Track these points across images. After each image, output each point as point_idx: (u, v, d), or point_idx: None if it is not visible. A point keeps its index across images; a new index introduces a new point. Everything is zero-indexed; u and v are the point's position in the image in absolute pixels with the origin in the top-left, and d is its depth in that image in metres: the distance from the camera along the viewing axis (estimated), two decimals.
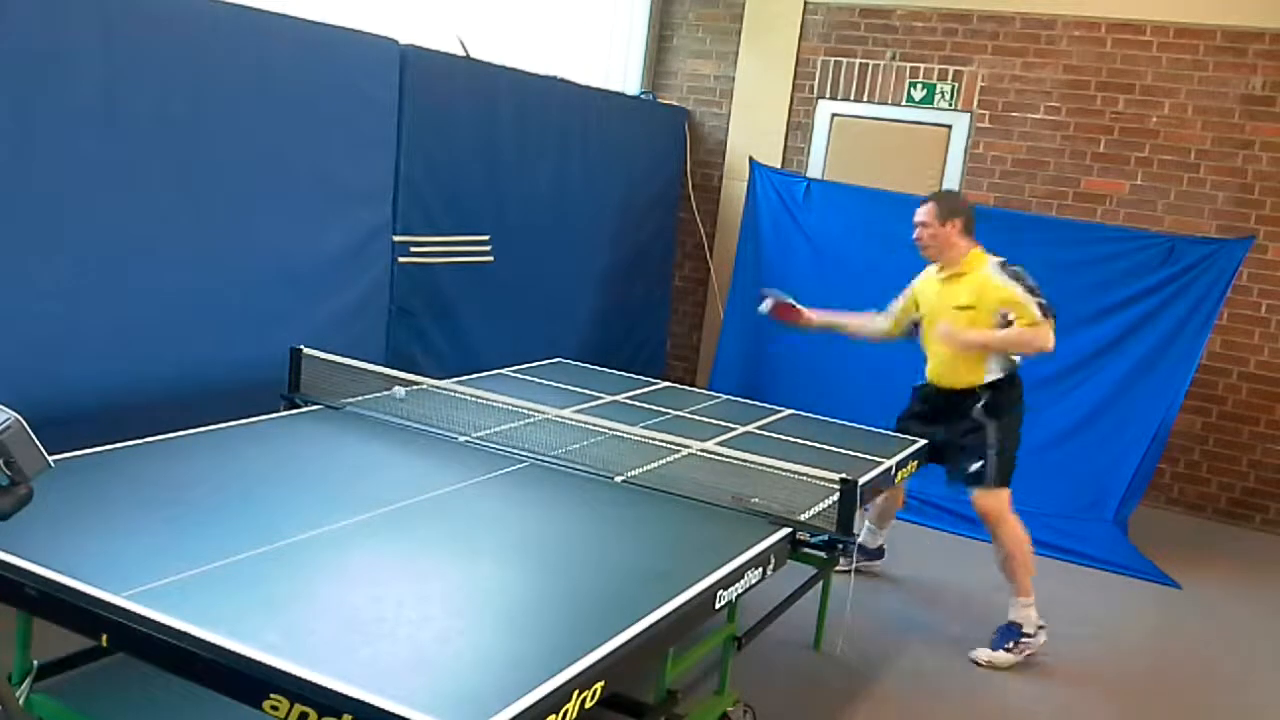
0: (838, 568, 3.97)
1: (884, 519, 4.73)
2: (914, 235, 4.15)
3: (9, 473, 1.70)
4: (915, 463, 3.97)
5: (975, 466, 4.06)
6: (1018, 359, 4.13)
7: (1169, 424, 5.49)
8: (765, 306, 4.40)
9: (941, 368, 4.19)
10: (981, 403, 4.08)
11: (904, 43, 6.65)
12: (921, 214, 4.13)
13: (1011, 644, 4.03)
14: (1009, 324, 3.98)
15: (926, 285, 4.28)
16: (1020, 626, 4.05)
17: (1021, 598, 4.07)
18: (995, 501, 4.03)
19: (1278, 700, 4.02)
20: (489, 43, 5.57)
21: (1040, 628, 4.07)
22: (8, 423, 1.68)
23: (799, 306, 4.51)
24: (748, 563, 2.56)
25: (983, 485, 4.05)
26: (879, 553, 4.80)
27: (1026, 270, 4.04)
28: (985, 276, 4.03)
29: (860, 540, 4.63)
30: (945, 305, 4.11)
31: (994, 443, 4.05)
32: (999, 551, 4.11)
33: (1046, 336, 3.93)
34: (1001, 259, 4.08)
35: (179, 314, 3.74)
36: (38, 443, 1.72)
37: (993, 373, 4.08)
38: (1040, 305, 3.92)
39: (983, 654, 4.03)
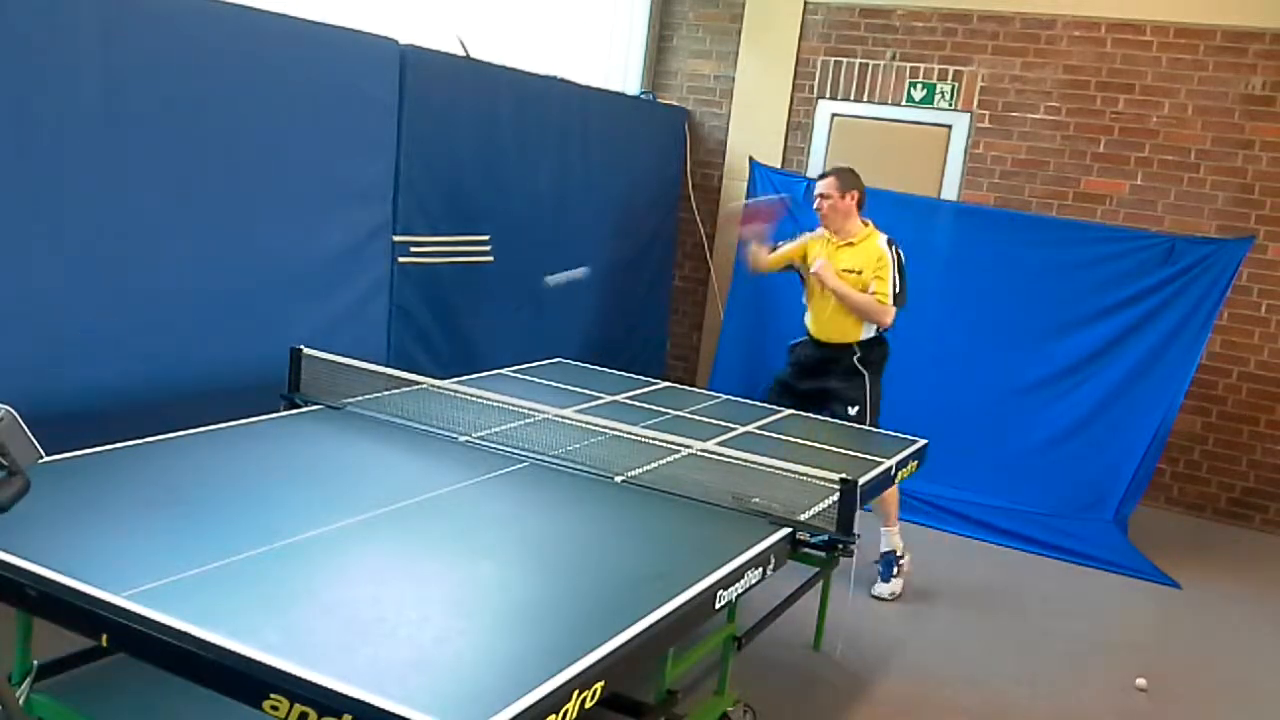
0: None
1: (888, 519, 4.78)
2: (814, 205, 4.68)
3: (4, 463, 1.71)
4: (915, 463, 3.98)
5: (854, 411, 4.58)
6: None
7: (1169, 424, 5.48)
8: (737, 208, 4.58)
9: (826, 324, 4.69)
10: (857, 356, 4.62)
11: (904, 43, 6.65)
12: (823, 186, 4.66)
13: (895, 570, 4.57)
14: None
15: (818, 245, 4.75)
16: (894, 552, 4.58)
17: (889, 527, 4.60)
18: None
19: (1278, 700, 4.02)
20: (489, 43, 5.56)
21: (904, 548, 4.59)
22: (0, 415, 1.68)
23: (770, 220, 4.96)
24: (748, 563, 2.56)
25: (862, 425, 4.50)
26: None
27: (905, 256, 4.59)
28: (875, 245, 4.59)
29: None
30: (835, 268, 4.62)
31: (869, 390, 4.60)
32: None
33: (886, 316, 4.54)
34: (889, 237, 4.61)
35: (179, 314, 3.74)
36: (29, 434, 1.72)
37: (868, 331, 4.62)
38: (897, 290, 4.51)
39: (881, 589, 4.55)
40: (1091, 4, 6.17)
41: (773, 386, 4.84)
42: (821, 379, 4.70)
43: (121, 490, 2.59)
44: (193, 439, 3.05)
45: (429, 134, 4.70)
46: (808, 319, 4.79)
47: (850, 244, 4.62)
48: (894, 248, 4.57)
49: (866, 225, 4.65)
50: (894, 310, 4.52)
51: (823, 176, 4.75)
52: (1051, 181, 6.36)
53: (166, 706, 2.35)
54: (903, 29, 6.65)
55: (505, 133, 5.25)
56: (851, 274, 4.55)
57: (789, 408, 4.46)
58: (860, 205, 4.66)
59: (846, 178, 4.67)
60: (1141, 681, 4.02)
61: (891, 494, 4.50)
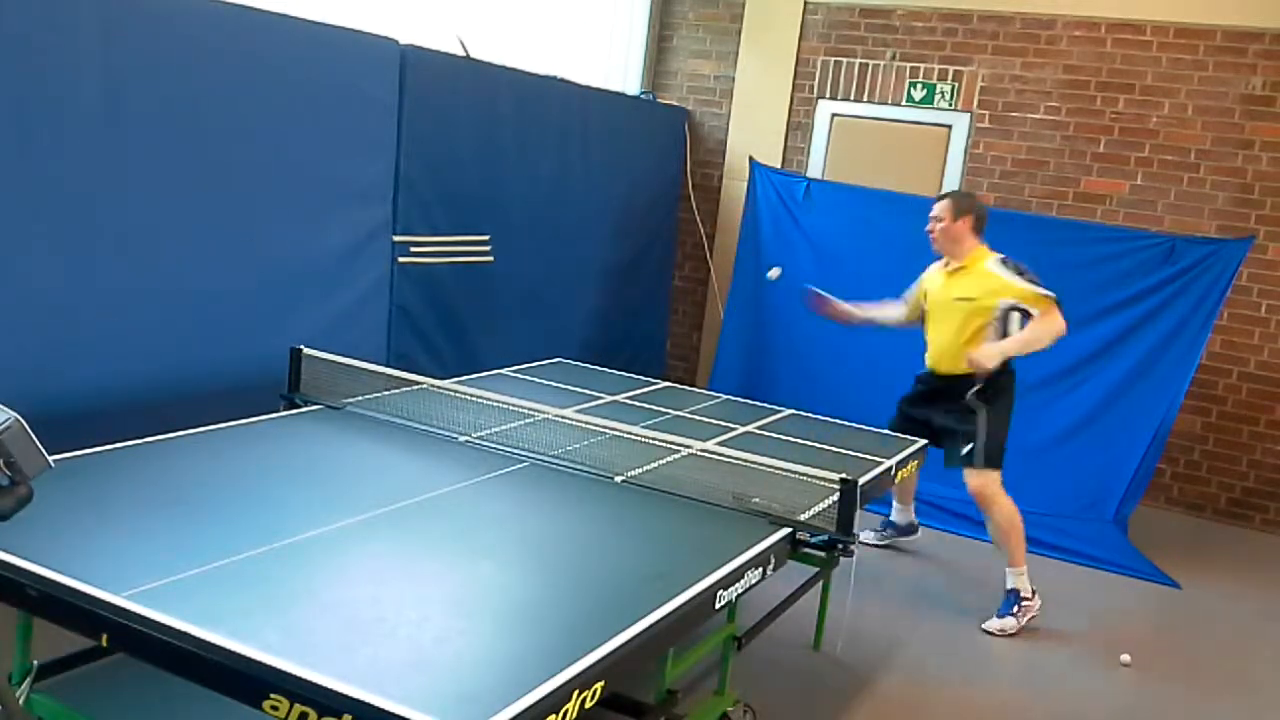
0: (872, 542, 4.87)
1: (906, 496, 5.03)
2: (927, 228, 4.43)
3: (9, 473, 1.69)
4: (915, 463, 3.98)
5: (966, 449, 4.32)
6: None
7: (1169, 424, 5.48)
8: (774, 274, 4.46)
9: (940, 355, 4.44)
10: (975, 389, 4.31)
11: (904, 43, 6.65)
12: (937, 209, 4.43)
13: (1015, 609, 4.30)
14: (1018, 311, 4.25)
15: (933, 277, 4.54)
16: (1019, 592, 4.32)
17: (1015, 567, 4.34)
18: (985, 481, 4.30)
19: (1278, 700, 4.02)
20: (489, 43, 5.56)
21: (1034, 592, 4.35)
22: (7, 422, 1.67)
23: (830, 298, 4.79)
24: (748, 563, 2.56)
25: (973, 466, 4.31)
26: (911, 528, 5.11)
27: (1028, 266, 4.29)
28: (985, 270, 4.31)
29: (891, 518, 5.13)
30: (947, 297, 4.39)
31: (984, 427, 4.30)
32: (992, 527, 4.42)
33: (1055, 318, 4.17)
34: (1003, 256, 4.34)
35: (179, 314, 3.74)
36: (37, 442, 1.71)
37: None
38: (1039, 287, 4.20)
39: (993, 624, 4.29)
40: (1091, 4, 6.17)
41: (897, 409, 4.63)
42: (929, 408, 4.45)
43: (121, 490, 2.59)
44: (193, 439, 3.06)
45: (429, 134, 4.70)
46: (928, 350, 4.53)
47: (962, 268, 4.37)
48: (1008, 264, 4.27)
49: (980, 245, 4.38)
50: (1057, 310, 4.15)
51: (939, 198, 4.50)
52: (1051, 181, 6.36)
53: (166, 706, 2.35)
54: (903, 29, 6.65)
55: (505, 133, 5.25)
56: (964, 301, 4.29)
57: (910, 434, 4.28)
58: (977, 230, 4.39)
59: (961, 201, 4.43)
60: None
61: (1015, 534, 4.31)
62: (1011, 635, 4.25)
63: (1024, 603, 4.30)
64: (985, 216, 4.44)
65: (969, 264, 4.35)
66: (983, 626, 4.28)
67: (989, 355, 4.19)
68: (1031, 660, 4.08)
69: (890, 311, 4.75)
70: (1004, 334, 4.27)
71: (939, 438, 4.38)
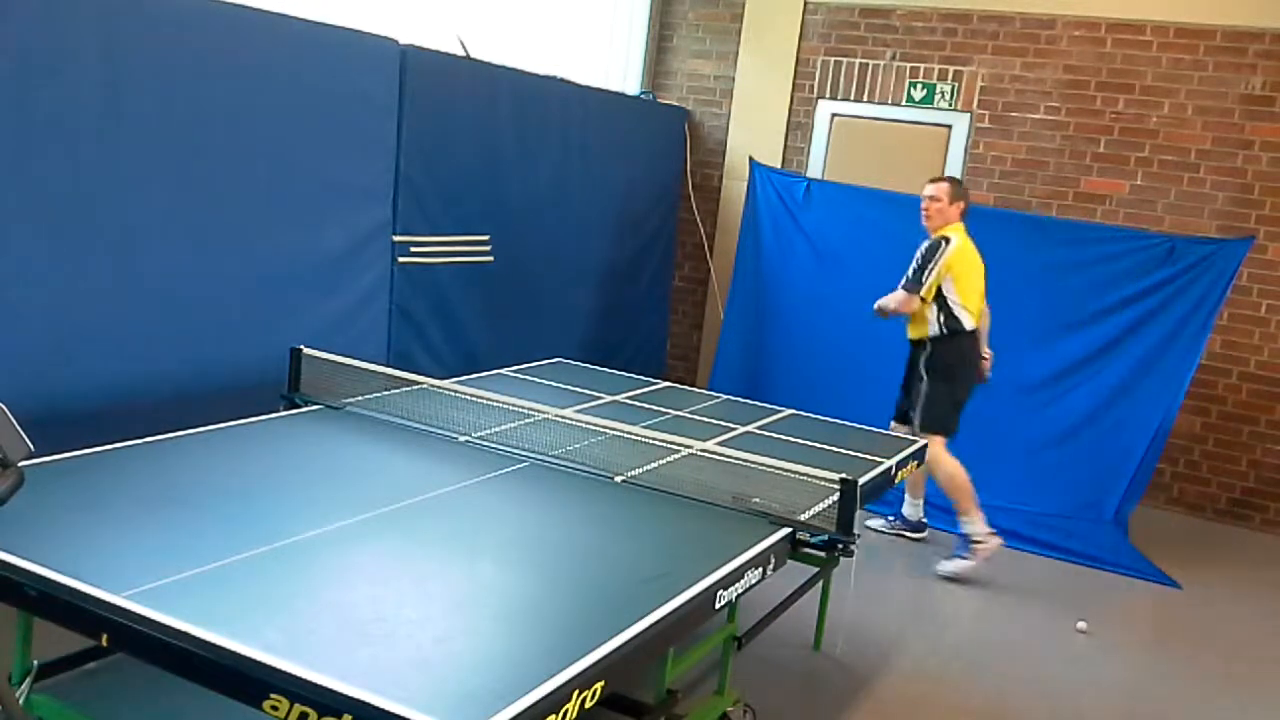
0: (879, 527, 5.18)
1: (917, 490, 5.17)
2: (923, 205, 4.82)
3: None
4: (915, 463, 3.98)
5: (915, 414, 4.79)
6: (960, 317, 4.72)
7: (1169, 424, 5.48)
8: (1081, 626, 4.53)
9: (909, 324, 4.88)
10: (925, 355, 4.78)
11: (904, 43, 6.65)
12: (934, 189, 4.82)
13: (968, 551, 4.66)
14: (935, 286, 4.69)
15: None
16: (969, 536, 4.67)
17: (963, 515, 4.70)
18: (929, 445, 4.45)
19: (1279, 700, 4.02)
20: (489, 43, 5.56)
21: (990, 533, 4.66)
22: None
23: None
24: (748, 563, 2.56)
25: (919, 431, 4.71)
26: (920, 526, 5.25)
27: (939, 248, 4.68)
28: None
29: (902, 510, 5.29)
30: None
31: (924, 394, 4.75)
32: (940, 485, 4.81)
33: (901, 301, 4.69)
34: (948, 235, 4.70)
35: (179, 314, 3.74)
36: (18, 428, 1.72)
37: (931, 328, 4.73)
38: (907, 276, 4.67)
39: (946, 567, 4.68)
40: (1091, 4, 6.17)
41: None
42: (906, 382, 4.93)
43: (121, 490, 2.59)
44: (193, 439, 3.06)
45: (429, 134, 4.70)
46: None
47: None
48: (932, 246, 4.68)
49: (953, 224, 4.77)
50: (909, 292, 4.63)
51: (935, 181, 4.90)
52: (1051, 181, 6.36)
53: (166, 706, 2.35)
54: (903, 29, 6.65)
55: (505, 133, 5.25)
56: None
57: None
58: (963, 216, 4.81)
59: (958, 187, 4.86)
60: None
61: (959, 489, 4.66)
62: (957, 580, 4.59)
63: (976, 545, 4.61)
64: (968, 208, 4.87)
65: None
66: (937, 569, 4.61)
67: (882, 304, 4.73)
68: (1032, 660, 4.08)
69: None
70: (944, 304, 4.68)
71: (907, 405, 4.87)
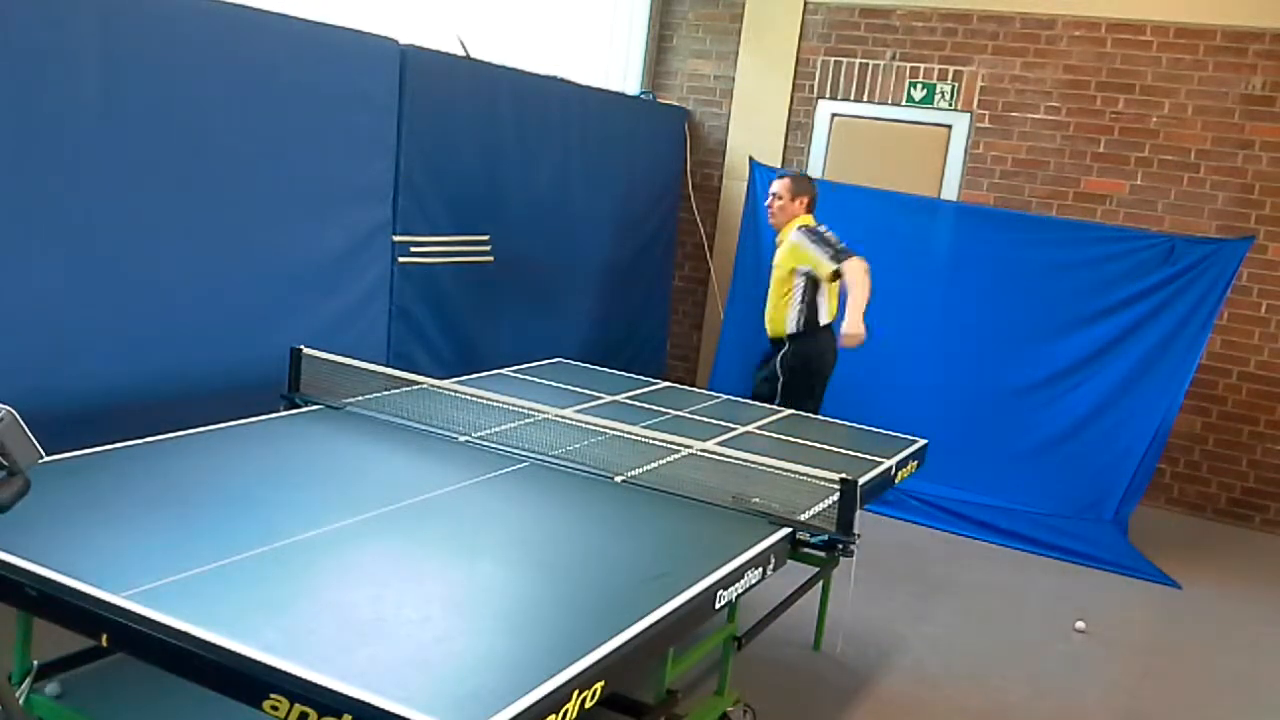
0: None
1: None
2: (766, 203, 4.88)
3: (4, 463, 1.71)
4: (915, 463, 3.98)
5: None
6: (821, 313, 4.71)
7: (1169, 424, 5.48)
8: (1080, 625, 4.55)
9: (766, 319, 4.85)
10: (783, 353, 4.74)
11: (904, 43, 6.65)
12: (776, 186, 4.85)
13: None
14: (812, 281, 4.66)
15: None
16: None
17: None
18: None
19: (1279, 700, 4.02)
20: (489, 43, 5.56)
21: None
22: (0, 415, 1.68)
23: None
24: (748, 563, 2.56)
25: None
26: None
27: (831, 230, 4.70)
28: (789, 239, 4.74)
29: None
30: (772, 265, 4.86)
31: (779, 393, 4.70)
32: None
33: (854, 267, 4.50)
34: (810, 225, 4.73)
35: (179, 314, 3.74)
36: (29, 434, 1.72)
37: (792, 324, 4.72)
38: (831, 254, 4.57)
39: None
40: (1091, 4, 6.17)
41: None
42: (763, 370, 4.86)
43: (121, 490, 2.59)
44: (193, 439, 3.05)
45: (429, 134, 4.70)
46: None
47: (781, 240, 4.85)
48: (810, 232, 4.68)
49: (792, 220, 4.79)
50: (834, 266, 4.55)
51: (779, 178, 4.93)
52: (1051, 181, 6.36)
53: (166, 706, 2.35)
54: (903, 29, 6.65)
55: (505, 133, 5.25)
56: (774, 269, 4.79)
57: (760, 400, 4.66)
58: (809, 209, 4.83)
59: (800, 183, 4.86)
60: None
61: None
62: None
63: None
64: (816, 198, 4.86)
65: (782, 236, 4.82)
66: None
67: (852, 325, 4.44)
68: (1032, 660, 4.08)
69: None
70: (810, 299, 4.67)
71: (758, 397, 4.77)
